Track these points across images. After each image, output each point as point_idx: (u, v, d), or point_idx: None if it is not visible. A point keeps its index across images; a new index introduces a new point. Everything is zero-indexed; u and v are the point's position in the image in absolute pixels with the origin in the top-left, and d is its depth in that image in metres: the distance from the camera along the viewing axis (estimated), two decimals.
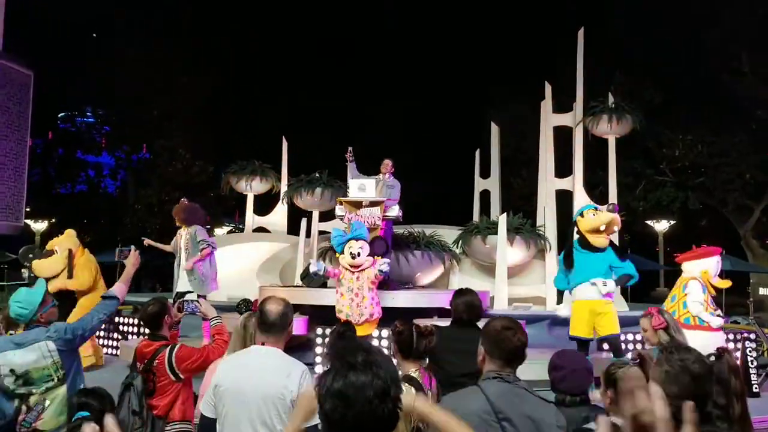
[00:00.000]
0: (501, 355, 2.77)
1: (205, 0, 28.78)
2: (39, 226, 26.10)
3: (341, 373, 1.81)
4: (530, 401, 2.69)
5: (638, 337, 8.25)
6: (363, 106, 29.89)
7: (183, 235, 9.07)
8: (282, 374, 3.09)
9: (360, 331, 7.66)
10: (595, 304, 7.36)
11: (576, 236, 7.65)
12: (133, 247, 4.75)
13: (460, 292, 4.81)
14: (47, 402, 3.78)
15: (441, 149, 28.81)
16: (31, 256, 9.06)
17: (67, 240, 9.02)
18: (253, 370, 3.11)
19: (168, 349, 4.24)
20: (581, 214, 7.62)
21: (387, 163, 10.53)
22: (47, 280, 8.53)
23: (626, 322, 9.17)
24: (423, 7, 31.26)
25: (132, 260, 4.59)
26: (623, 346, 8.79)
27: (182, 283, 8.89)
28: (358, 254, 7.98)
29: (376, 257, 8.24)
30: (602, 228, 7.29)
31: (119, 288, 4.33)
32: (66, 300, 8.36)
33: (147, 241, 9.31)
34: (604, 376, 3.00)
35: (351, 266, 8.02)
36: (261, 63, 30.94)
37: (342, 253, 8.15)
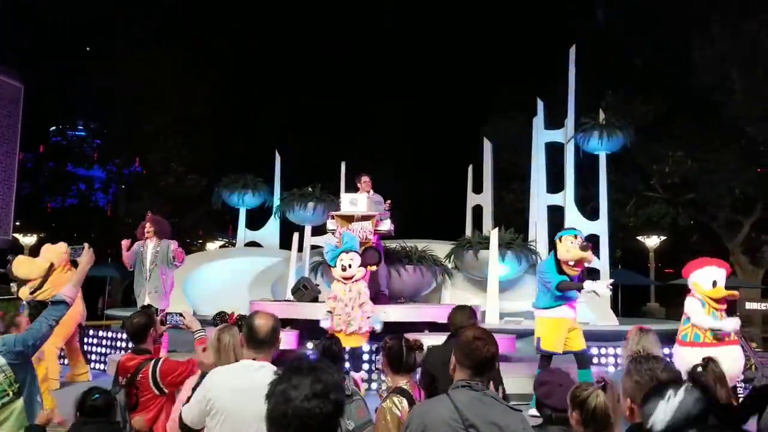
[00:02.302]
0: (471, 365, 2.79)
1: (198, 10, 28.87)
2: (28, 240, 25.89)
3: (286, 377, 1.94)
4: (497, 409, 2.71)
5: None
6: (356, 118, 30.02)
7: (150, 247, 9.13)
8: None
9: (349, 343, 7.70)
10: (572, 323, 7.40)
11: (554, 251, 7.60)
12: (86, 245, 4.41)
13: (460, 308, 4.89)
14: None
15: (434, 164, 28.89)
16: None
17: (54, 252, 8.86)
18: (248, 389, 3.04)
19: (152, 363, 4.19)
20: (560, 238, 7.53)
21: (367, 180, 10.43)
22: (21, 281, 8.53)
23: (615, 337, 9.21)
24: (416, 19, 31.51)
25: (86, 258, 4.32)
26: (613, 359, 8.88)
27: (146, 295, 9.01)
28: (349, 266, 8.12)
29: (369, 267, 8.41)
30: (571, 263, 7.28)
31: (69, 290, 4.10)
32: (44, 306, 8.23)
33: (125, 243, 9.37)
34: (570, 398, 2.99)
35: (342, 278, 8.13)
36: (255, 70, 31.06)
37: (335, 266, 8.28)
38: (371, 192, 10.43)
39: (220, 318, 5.81)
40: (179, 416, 3.26)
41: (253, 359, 3.19)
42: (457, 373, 2.84)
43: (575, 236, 7.39)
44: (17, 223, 22.28)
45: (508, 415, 2.70)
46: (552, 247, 8.19)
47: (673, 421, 1.97)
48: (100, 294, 27.25)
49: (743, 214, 23.52)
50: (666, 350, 6.86)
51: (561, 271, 7.28)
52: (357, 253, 8.39)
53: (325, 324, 8.36)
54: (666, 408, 1.99)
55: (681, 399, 2.00)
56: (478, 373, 2.79)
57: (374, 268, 8.63)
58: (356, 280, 8.16)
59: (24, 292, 8.55)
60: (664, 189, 24.27)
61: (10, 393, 3.72)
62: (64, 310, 4.04)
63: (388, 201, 10.30)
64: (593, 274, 7.68)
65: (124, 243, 9.38)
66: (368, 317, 8.18)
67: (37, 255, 9.34)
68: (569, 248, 7.23)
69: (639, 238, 28.06)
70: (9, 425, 3.72)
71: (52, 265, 8.58)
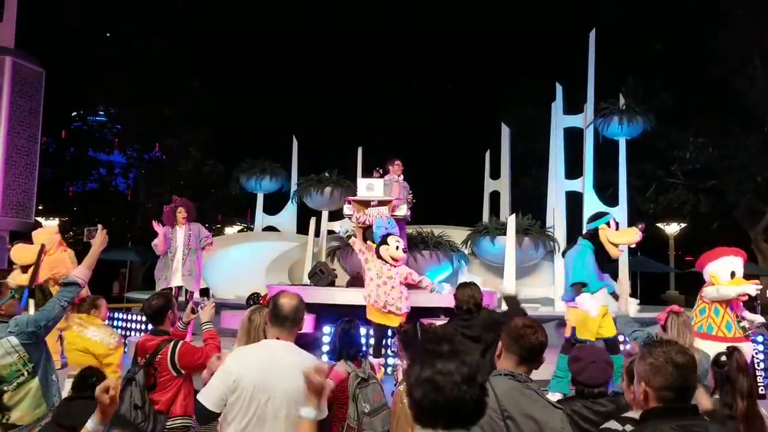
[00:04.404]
0: (518, 352, 2.79)
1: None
2: (50, 223, 26.24)
3: (429, 362, 1.87)
4: (537, 403, 2.68)
5: None
6: (373, 104, 29.94)
7: (181, 231, 9.28)
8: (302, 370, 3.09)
9: (387, 321, 7.94)
10: (605, 309, 7.34)
11: (589, 241, 7.52)
12: (100, 227, 4.47)
13: (463, 285, 5.04)
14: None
15: (451, 149, 28.81)
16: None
17: (44, 235, 8.90)
18: (275, 366, 3.09)
19: (171, 344, 4.25)
20: (607, 224, 7.51)
21: (399, 164, 10.48)
22: (22, 268, 8.63)
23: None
24: (433, 4, 31.28)
25: (99, 240, 4.37)
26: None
27: (177, 278, 9.15)
28: (404, 249, 8.33)
29: None
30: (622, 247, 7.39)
31: (81, 272, 4.16)
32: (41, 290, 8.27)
33: (157, 225, 9.52)
34: (626, 371, 2.99)
35: (395, 259, 8.19)
36: (272, 55, 31.08)
37: (383, 244, 8.32)
38: (401, 177, 10.46)
39: (254, 299, 5.87)
40: (196, 407, 3.20)
41: (276, 338, 3.23)
42: (502, 360, 2.83)
43: (613, 219, 7.55)
44: (39, 207, 22.57)
45: (547, 411, 2.67)
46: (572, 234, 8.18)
47: None
48: (114, 278, 27.59)
49: (765, 202, 23.21)
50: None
51: (600, 254, 7.31)
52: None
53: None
54: None
55: None
56: (524, 362, 2.78)
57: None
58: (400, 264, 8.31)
59: (15, 278, 8.62)
60: (684, 175, 24.00)
61: (25, 373, 3.80)
62: (75, 291, 4.09)
63: (410, 196, 10.28)
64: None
65: (158, 227, 9.51)
66: (406, 296, 8.28)
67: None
68: (625, 230, 7.42)
69: (659, 225, 27.82)
70: (26, 404, 3.79)
71: (43, 246, 8.63)
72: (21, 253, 8.65)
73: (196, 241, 9.34)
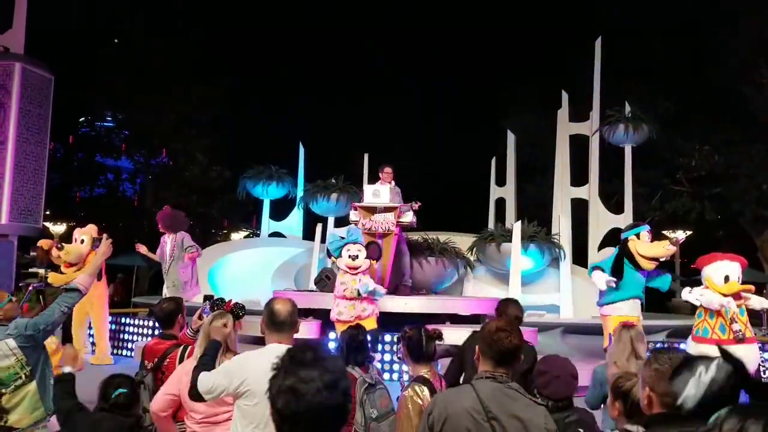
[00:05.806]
0: (493, 356, 2.82)
1: (223, 4, 29.06)
2: (58, 228, 26.35)
3: (291, 370, 1.84)
4: (520, 402, 2.73)
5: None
6: (379, 110, 29.97)
7: (168, 242, 9.37)
8: None
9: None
10: (635, 320, 7.33)
11: (622, 252, 7.51)
12: (104, 236, 4.54)
13: (507, 301, 5.04)
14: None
15: (457, 156, 28.82)
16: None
17: (92, 233, 9.10)
18: None
19: (180, 349, 4.28)
20: (637, 235, 7.50)
21: (389, 171, 10.41)
22: (70, 265, 8.76)
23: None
24: (438, 11, 31.35)
25: (102, 249, 4.44)
26: None
27: (167, 291, 9.23)
28: (356, 257, 8.25)
29: (371, 261, 8.48)
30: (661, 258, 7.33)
31: (83, 279, 4.19)
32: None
33: (141, 248, 9.63)
34: (612, 388, 3.00)
35: (349, 268, 8.25)
36: (278, 62, 31.16)
37: (339, 256, 8.35)
38: (393, 183, 10.45)
39: (217, 304, 5.88)
40: (193, 382, 3.37)
41: (278, 342, 3.28)
42: (480, 363, 2.88)
43: (649, 231, 7.50)
44: (47, 213, 22.66)
45: (530, 409, 2.72)
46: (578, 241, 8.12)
47: (705, 398, 1.85)
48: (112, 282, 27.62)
49: None
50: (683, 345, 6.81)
51: (634, 264, 7.30)
52: (362, 245, 8.52)
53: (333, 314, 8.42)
54: (698, 384, 1.88)
55: (713, 375, 1.87)
56: (501, 364, 2.81)
57: (375, 263, 8.66)
58: (362, 272, 8.25)
59: (56, 278, 8.75)
60: (690, 183, 23.95)
61: (23, 376, 3.82)
62: (77, 297, 4.11)
63: (419, 203, 10.17)
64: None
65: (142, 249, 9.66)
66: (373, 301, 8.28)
67: (67, 242, 9.61)
68: (657, 243, 7.35)
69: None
70: (23, 407, 3.81)
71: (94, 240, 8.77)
72: (74, 252, 8.82)
73: (179, 250, 9.40)
